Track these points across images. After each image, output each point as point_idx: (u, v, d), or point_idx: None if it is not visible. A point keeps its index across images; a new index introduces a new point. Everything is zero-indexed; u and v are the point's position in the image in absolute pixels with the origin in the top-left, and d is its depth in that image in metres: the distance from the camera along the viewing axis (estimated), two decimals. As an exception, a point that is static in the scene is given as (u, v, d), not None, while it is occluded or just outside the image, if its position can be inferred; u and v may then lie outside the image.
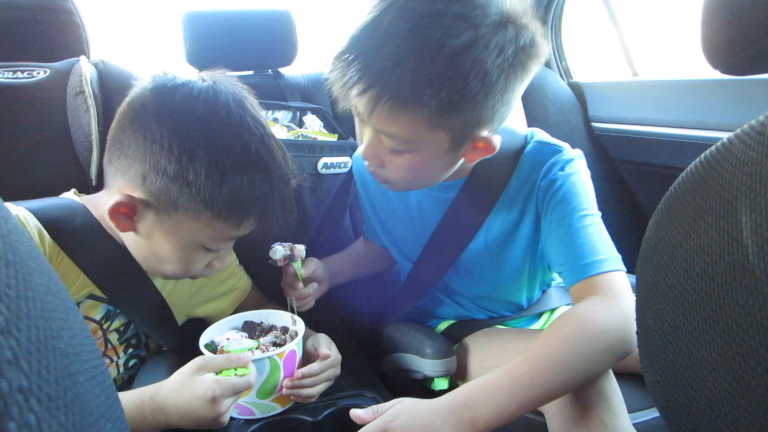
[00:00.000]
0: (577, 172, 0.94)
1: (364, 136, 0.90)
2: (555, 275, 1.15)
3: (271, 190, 0.84)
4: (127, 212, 0.82)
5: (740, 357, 0.40)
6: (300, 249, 1.03)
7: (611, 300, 0.82)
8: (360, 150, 0.92)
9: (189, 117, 0.80)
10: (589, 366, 0.77)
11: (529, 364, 0.76)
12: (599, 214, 0.94)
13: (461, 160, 0.92)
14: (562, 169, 0.94)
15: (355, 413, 0.75)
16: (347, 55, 0.80)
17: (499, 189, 0.98)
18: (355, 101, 0.82)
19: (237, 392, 0.78)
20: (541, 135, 1.01)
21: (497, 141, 0.87)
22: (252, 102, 0.86)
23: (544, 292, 1.16)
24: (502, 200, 0.99)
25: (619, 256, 0.89)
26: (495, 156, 0.93)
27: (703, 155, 0.51)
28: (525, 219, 0.98)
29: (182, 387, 0.77)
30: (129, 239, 0.88)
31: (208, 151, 0.79)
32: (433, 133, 0.82)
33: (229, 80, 0.86)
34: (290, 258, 1.02)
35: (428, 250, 1.08)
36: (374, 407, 0.76)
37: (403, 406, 0.75)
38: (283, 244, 1.02)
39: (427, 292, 1.11)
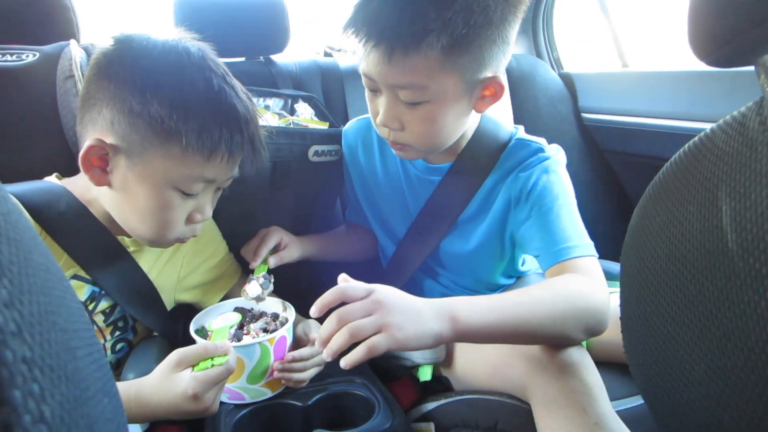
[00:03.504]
0: (554, 169, 0.99)
1: (379, 105, 0.94)
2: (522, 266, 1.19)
3: (238, 123, 0.84)
4: (100, 164, 0.82)
5: (718, 340, 0.41)
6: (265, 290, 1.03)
7: (592, 280, 0.87)
8: (378, 120, 0.96)
9: (150, 56, 0.81)
10: (565, 328, 0.81)
11: (516, 297, 0.81)
12: (575, 203, 0.98)
13: (472, 113, 0.97)
14: (540, 167, 0.99)
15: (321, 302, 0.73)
16: (354, 20, 0.87)
17: (483, 176, 1.03)
18: (371, 64, 0.88)
19: (218, 383, 0.78)
20: (523, 132, 1.08)
21: (504, 80, 0.93)
22: (212, 53, 0.87)
23: (519, 278, 1.18)
24: (482, 187, 1.04)
25: (591, 244, 0.94)
26: (481, 145, 1.01)
27: (686, 145, 0.52)
28: (495, 206, 1.03)
29: (163, 385, 0.77)
30: (107, 199, 0.87)
31: (171, 84, 0.80)
32: (445, 75, 0.87)
33: (187, 37, 0.87)
34: (258, 298, 1.02)
35: (414, 230, 1.11)
36: (342, 286, 0.74)
37: (380, 285, 0.76)
38: (262, 279, 1.03)
39: (412, 271, 1.13)
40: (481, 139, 1.04)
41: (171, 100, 0.79)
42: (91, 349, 0.31)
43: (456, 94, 0.90)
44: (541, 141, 1.04)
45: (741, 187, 0.41)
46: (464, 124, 0.99)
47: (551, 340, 0.83)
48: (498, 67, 0.91)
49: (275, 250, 1.09)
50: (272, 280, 1.03)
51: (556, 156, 1.02)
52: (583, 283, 0.86)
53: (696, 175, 0.48)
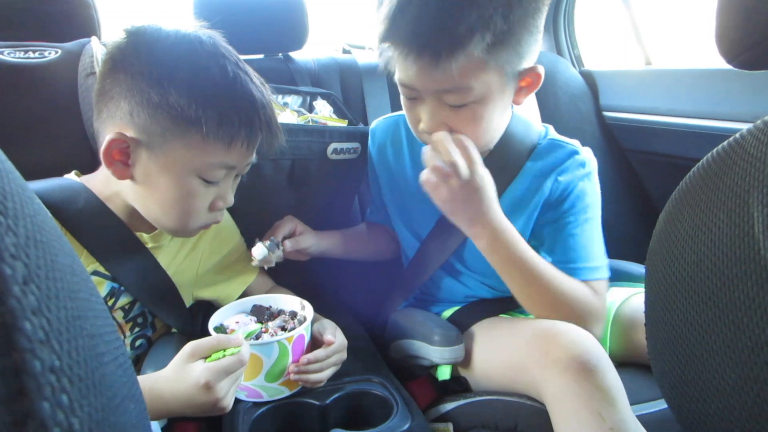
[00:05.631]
0: (590, 176, 1.02)
1: (420, 113, 0.95)
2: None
3: (255, 109, 0.85)
4: (121, 158, 0.83)
5: (749, 349, 0.40)
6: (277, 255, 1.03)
7: (599, 300, 0.97)
8: (422, 127, 0.96)
9: (163, 46, 0.82)
10: (557, 307, 0.93)
11: (540, 259, 0.95)
12: (599, 217, 1.02)
13: (512, 107, 1.01)
14: (579, 174, 1.01)
15: None
16: (390, 33, 0.87)
17: (512, 175, 1.03)
18: (413, 74, 0.89)
19: (230, 373, 0.77)
20: (554, 132, 1.08)
21: (541, 69, 0.95)
22: (223, 41, 0.87)
23: None
24: (517, 187, 1.05)
25: (605, 264, 1.00)
26: (511, 143, 1.02)
27: (714, 150, 0.51)
28: (529, 207, 1.03)
29: (176, 376, 0.77)
30: (130, 192, 0.88)
31: (186, 72, 0.81)
32: (489, 73, 0.88)
33: (197, 25, 0.88)
34: (266, 261, 1.02)
35: (439, 227, 1.10)
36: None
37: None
38: (267, 242, 1.02)
39: (433, 270, 1.13)
40: (512, 138, 1.04)
41: (188, 88, 0.80)
42: (116, 353, 0.31)
43: (499, 89, 0.92)
44: (575, 143, 1.05)
45: (775, 193, 0.40)
46: (507, 119, 1.01)
47: (541, 308, 0.95)
48: (533, 57, 0.93)
49: (290, 237, 1.09)
50: (280, 246, 1.03)
51: (591, 162, 1.03)
52: (593, 300, 0.95)
53: (725, 181, 0.47)
